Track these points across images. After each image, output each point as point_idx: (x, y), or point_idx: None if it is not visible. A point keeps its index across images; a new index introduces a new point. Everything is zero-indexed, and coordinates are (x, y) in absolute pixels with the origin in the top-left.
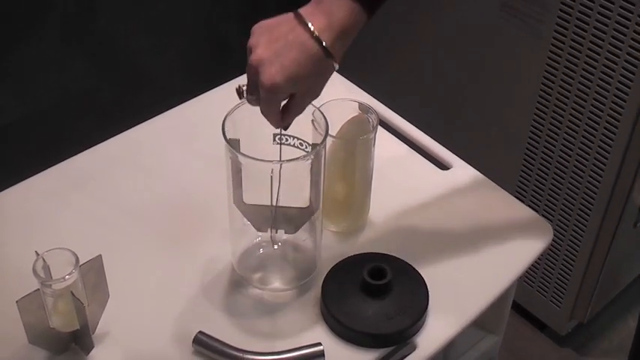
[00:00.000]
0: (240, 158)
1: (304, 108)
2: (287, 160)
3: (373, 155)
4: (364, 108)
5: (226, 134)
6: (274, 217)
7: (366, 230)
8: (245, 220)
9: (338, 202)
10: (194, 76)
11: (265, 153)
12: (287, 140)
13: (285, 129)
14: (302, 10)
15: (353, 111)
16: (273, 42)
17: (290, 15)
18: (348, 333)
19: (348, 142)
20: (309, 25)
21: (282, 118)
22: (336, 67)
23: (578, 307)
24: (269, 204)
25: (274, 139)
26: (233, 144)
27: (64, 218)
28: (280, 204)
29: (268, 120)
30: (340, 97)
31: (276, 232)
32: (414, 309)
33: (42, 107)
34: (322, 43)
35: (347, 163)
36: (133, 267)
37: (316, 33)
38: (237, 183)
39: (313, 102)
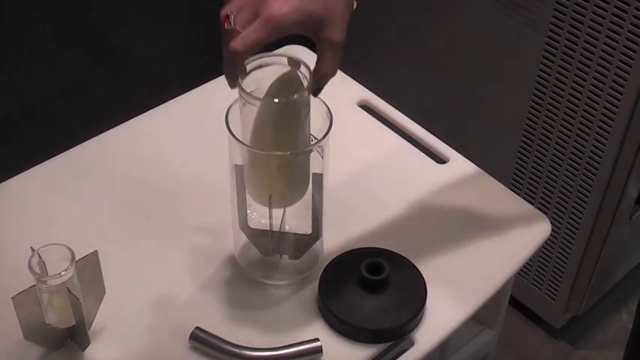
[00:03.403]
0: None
1: (335, 55)
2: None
3: (309, 117)
4: (294, 62)
5: (233, 132)
6: (278, 243)
7: (364, 225)
8: (250, 211)
9: (271, 174)
10: (189, 69)
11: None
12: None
13: (318, 92)
14: None
15: (282, 68)
16: None
17: None
18: (346, 328)
19: (276, 104)
20: None
21: (318, 76)
22: (355, 5)
23: (573, 300)
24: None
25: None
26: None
27: (59, 212)
28: (285, 227)
29: (230, 71)
30: (266, 54)
31: (280, 258)
32: (412, 304)
33: (35, 100)
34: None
35: (278, 128)
36: (130, 261)
37: None
38: (242, 206)
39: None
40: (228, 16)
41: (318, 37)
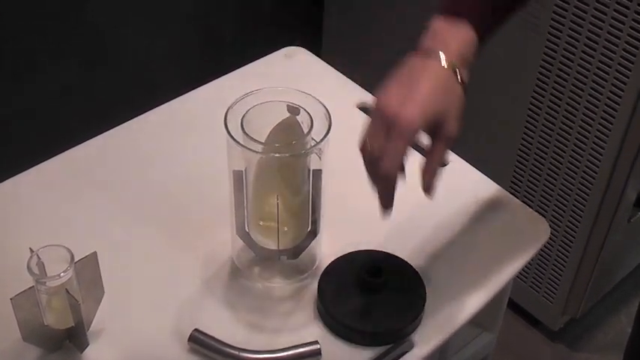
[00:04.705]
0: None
1: (447, 148)
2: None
3: (309, 167)
4: (293, 109)
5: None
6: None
7: (362, 227)
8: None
9: (269, 221)
10: (188, 69)
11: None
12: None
13: (430, 189)
14: (422, 45)
15: (282, 114)
16: (399, 89)
17: (410, 55)
18: (345, 331)
19: (273, 155)
20: (440, 53)
21: (427, 171)
22: (464, 96)
23: (571, 302)
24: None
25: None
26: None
27: (58, 213)
28: None
29: (388, 196)
30: (267, 100)
31: (279, 259)
32: (411, 307)
33: (35, 100)
34: (454, 68)
35: (277, 177)
36: (129, 262)
37: (446, 60)
38: (239, 211)
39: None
40: (365, 145)
41: (436, 132)
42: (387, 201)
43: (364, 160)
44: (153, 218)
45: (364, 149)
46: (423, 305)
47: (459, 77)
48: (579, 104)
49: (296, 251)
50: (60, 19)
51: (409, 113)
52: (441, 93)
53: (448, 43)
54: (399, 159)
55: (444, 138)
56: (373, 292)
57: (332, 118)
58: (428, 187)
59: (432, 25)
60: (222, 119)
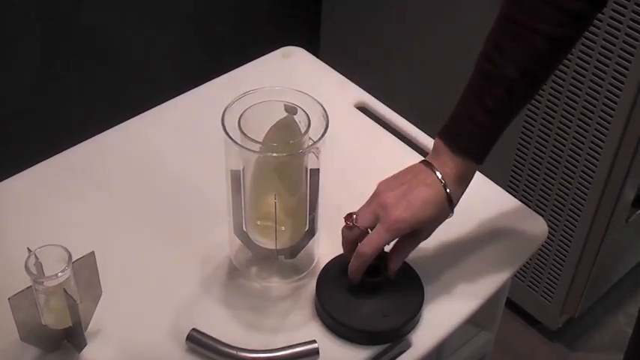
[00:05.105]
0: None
1: (413, 249)
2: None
3: (306, 167)
4: (291, 109)
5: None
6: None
7: None
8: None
9: (267, 221)
10: (187, 70)
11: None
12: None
13: (392, 274)
14: (429, 157)
15: (279, 113)
16: (400, 185)
17: (414, 164)
18: (343, 330)
19: (270, 155)
20: (437, 171)
21: (392, 261)
22: (451, 215)
23: (570, 302)
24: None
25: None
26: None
27: (56, 213)
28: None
29: (358, 269)
30: (264, 100)
31: (276, 258)
32: (409, 306)
33: (34, 100)
34: (447, 189)
35: (274, 177)
36: (127, 262)
37: (442, 179)
38: (237, 211)
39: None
40: (351, 215)
41: (412, 234)
42: (356, 273)
43: (345, 229)
44: (151, 218)
45: (349, 216)
46: (421, 305)
47: (449, 196)
48: (577, 104)
49: (293, 251)
50: (60, 19)
51: (401, 214)
52: (431, 206)
53: (446, 165)
54: (378, 247)
55: (416, 242)
56: (371, 292)
57: (329, 117)
58: (392, 273)
59: (435, 146)
60: (220, 119)
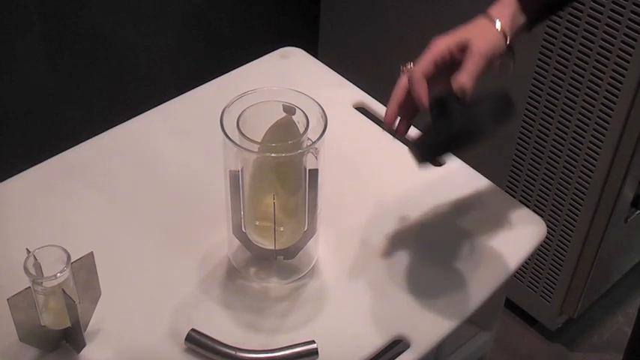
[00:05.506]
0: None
1: (479, 62)
2: (285, 154)
3: (305, 167)
4: (289, 109)
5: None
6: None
7: (360, 227)
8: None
9: (265, 221)
10: (187, 70)
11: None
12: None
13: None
14: (487, 11)
15: (278, 114)
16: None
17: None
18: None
19: (269, 155)
20: (497, 20)
21: (466, 81)
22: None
23: (569, 302)
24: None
25: None
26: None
27: (55, 213)
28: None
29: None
30: (263, 100)
31: (275, 258)
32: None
33: (34, 100)
34: (505, 34)
35: (273, 177)
36: (126, 263)
37: (500, 26)
38: (236, 211)
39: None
40: (406, 64)
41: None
42: (422, 96)
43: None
44: (150, 218)
45: (406, 65)
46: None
47: (507, 40)
48: (576, 104)
49: (292, 251)
50: (59, 19)
51: (485, 46)
52: (496, 47)
53: (503, 15)
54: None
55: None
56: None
57: (328, 117)
58: (462, 87)
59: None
60: (219, 119)
